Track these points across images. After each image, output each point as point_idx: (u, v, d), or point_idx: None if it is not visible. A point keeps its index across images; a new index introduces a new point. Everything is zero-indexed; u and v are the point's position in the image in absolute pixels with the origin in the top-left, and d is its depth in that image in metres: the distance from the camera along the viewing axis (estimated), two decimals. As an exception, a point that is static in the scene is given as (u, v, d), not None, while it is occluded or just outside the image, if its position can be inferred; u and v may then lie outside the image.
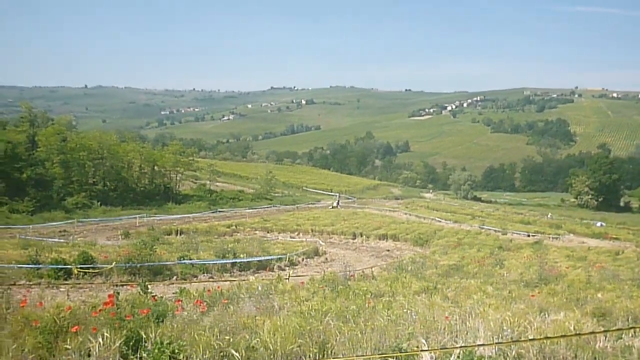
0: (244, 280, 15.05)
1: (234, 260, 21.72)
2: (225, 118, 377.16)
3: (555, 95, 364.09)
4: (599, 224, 61.48)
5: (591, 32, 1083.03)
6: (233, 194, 63.84)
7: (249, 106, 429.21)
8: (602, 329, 8.55)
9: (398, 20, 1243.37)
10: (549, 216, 62.11)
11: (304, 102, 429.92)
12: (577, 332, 7.93)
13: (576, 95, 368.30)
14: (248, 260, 22.30)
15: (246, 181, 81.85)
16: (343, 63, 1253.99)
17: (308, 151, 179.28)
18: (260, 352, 6.51)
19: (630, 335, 8.51)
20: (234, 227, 38.57)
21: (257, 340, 6.75)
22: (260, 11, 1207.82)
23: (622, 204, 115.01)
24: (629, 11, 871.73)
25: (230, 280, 16.38)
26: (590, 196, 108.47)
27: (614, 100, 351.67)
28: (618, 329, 8.72)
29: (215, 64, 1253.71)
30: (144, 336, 6.71)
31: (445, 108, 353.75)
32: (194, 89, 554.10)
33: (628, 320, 9.89)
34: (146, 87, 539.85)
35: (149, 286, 10.75)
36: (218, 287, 12.39)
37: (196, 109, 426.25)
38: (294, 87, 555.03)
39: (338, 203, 63.44)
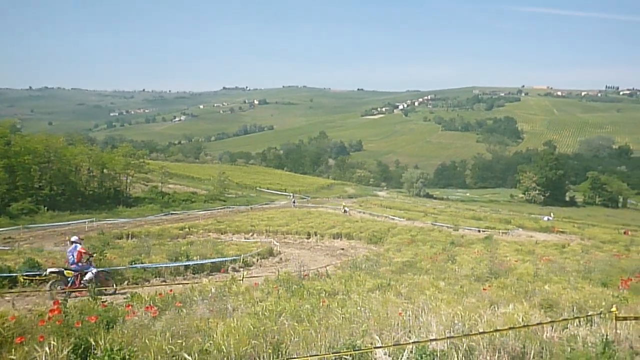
0: (197, 282, 14.83)
1: (187, 263, 21.40)
2: (177, 119, 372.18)
3: (503, 94, 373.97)
4: (546, 218, 63.37)
5: (537, 32, 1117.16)
6: (186, 195, 62.95)
7: (201, 107, 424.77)
8: (549, 320, 8.79)
9: (351, 21, 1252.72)
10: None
11: (256, 102, 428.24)
12: (526, 324, 8.14)
13: (523, 94, 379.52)
14: (201, 262, 21.99)
15: (199, 183, 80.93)
16: (296, 63, 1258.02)
17: (262, 151, 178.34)
18: (214, 355, 6.45)
19: (576, 324, 8.80)
20: (187, 229, 38.00)
21: (210, 343, 6.68)
22: (211, 11, 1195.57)
23: (567, 198, 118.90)
24: (572, 12, 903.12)
25: (183, 284, 16.11)
26: (537, 191, 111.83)
27: (558, 99, 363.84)
28: (564, 319, 8.99)
29: (166, 64, 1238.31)
30: (93, 343, 6.56)
31: (398, 107, 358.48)
32: (144, 89, 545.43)
33: (573, 310, 10.20)
34: (95, 88, 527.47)
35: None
36: (170, 290, 12.17)
37: (147, 110, 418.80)
38: (247, 87, 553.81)
39: (294, 203, 63.44)
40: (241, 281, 15.06)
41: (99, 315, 8.02)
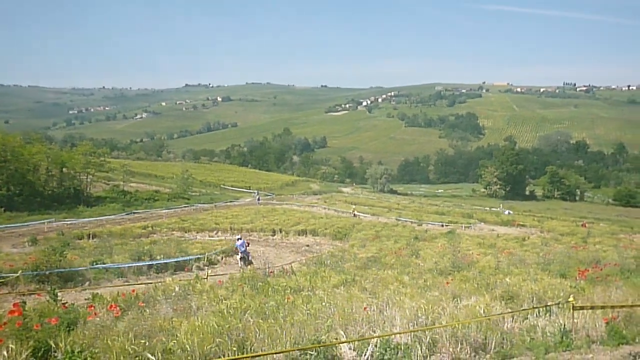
0: (160, 282, 14.65)
1: (150, 262, 21.14)
2: (139, 116, 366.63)
3: (464, 91, 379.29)
4: (506, 212, 64.60)
5: (497, 29, 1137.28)
6: (148, 194, 61.96)
7: (163, 104, 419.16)
8: (510, 311, 9.00)
9: (314, 17, 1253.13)
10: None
11: (220, 99, 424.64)
12: (487, 315, 8.31)
13: (484, 91, 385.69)
14: (165, 261, 21.75)
15: (162, 181, 79.84)
16: (259, 60, 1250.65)
17: (225, 149, 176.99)
18: (178, 354, 6.40)
19: (535, 315, 9.02)
20: (150, 228, 37.48)
21: (174, 343, 6.63)
22: (173, 6, 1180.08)
23: (527, 192, 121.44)
24: (531, 10, 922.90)
25: (146, 283, 15.91)
26: (498, 186, 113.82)
27: (518, 95, 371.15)
28: (524, 310, 9.21)
29: (127, 60, 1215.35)
30: (53, 346, 6.44)
31: (361, 103, 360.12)
32: (104, 87, 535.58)
33: (533, 301, 10.44)
34: (53, 85, 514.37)
35: (59, 294, 10.30)
36: (133, 290, 12.00)
37: (107, 108, 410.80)
38: (210, 84, 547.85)
39: (258, 200, 63.14)
40: (206, 279, 14.96)
41: (59, 317, 7.87)
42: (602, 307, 8.70)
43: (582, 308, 8.47)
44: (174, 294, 11.66)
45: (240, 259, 24.52)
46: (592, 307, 8.58)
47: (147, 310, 9.52)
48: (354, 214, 49.98)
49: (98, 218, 43.43)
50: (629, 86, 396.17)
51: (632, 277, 13.17)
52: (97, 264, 19.40)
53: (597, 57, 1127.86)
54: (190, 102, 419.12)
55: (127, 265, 20.17)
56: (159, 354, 6.22)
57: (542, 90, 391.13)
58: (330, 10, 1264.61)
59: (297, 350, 6.54)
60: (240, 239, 25.72)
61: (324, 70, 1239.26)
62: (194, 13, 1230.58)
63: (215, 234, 38.02)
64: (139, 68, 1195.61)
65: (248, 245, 25.59)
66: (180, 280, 14.76)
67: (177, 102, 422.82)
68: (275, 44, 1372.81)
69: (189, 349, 6.46)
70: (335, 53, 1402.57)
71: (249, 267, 22.27)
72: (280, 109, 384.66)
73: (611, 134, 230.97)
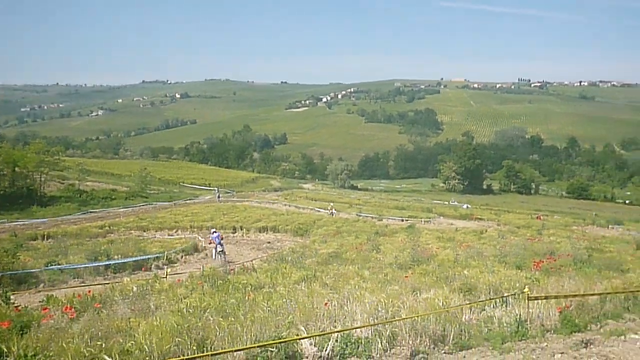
0: (118, 282, 14.39)
1: (107, 263, 20.73)
2: (94, 114, 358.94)
3: (423, 87, 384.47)
4: (465, 206, 65.74)
5: (454, 26, 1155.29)
6: (105, 193, 60.74)
7: (120, 101, 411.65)
8: (468, 303, 9.15)
9: (274, 13, 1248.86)
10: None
11: (178, 95, 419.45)
12: (446, 308, 8.43)
13: (442, 86, 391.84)
14: (123, 261, 21.37)
15: (119, 179, 78.35)
16: (218, 56, 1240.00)
17: (184, 146, 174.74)
18: (135, 355, 6.30)
19: (492, 306, 9.21)
20: (107, 227, 36.76)
21: (132, 343, 6.52)
22: (129, 0, 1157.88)
23: (485, 186, 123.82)
24: (487, 7, 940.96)
25: (103, 284, 15.60)
26: (457, 180, 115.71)
27: (475, 91, 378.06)
28: (481, 301, 9.38)
29: (81, 56, 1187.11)
30: (5, 350, 6.26)
31: (321, 100, 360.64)
32: (57, 83, 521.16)
33: (490, 293, 10.66)
34: (3, 82, 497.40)
35: (11, 296, 10.04)
36: (89, 291, 11.76)
37: (61, 105, 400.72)
38: (168, 80, 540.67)
39: (218, 197, 62.63)
40: (164, 279, 14.76)
41: (11, 320, 7.65)
42: (556, 297, 8.94)
43: (536, 298, 8.68)
44: (131, 294, 11.47)
45: (217, 251, 25.81)
46: (546, 297, 8.81)
47: (104, 311, 9.36)
48: (332, 212, 48.72)
49: (52, 218, 42.43)
50: (580, 82, 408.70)
51: (584, 267, 13.58)
52: (51, 265, 18.95)
53: (550, 53, 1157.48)
54: (148, 98, 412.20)
55: (83, 265, 19.75)
56: (116, 355, 6.10)
57: (498, 86, 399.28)
58: (290, 5, 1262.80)
59: (258, 347, 6.52)
60: (216, 232, 27.59)
61: (283, 67, 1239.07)
62: (150, 8, 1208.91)
63: (175, 232, 37.54)
64: (94, 64, 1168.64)
65: (222, 239, 26.86)
66: (138, 280, 14.55)
67: (134, 99, 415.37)
68: (234, 40, 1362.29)
69: (147, 349, 6.36)
70: (295, 49, 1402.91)
71: (224, 258, 24.95)
72: (240, 106, 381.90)
73: (564, 129, 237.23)
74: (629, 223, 46.35)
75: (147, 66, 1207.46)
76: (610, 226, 43.87)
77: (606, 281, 11.12)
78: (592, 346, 7.45)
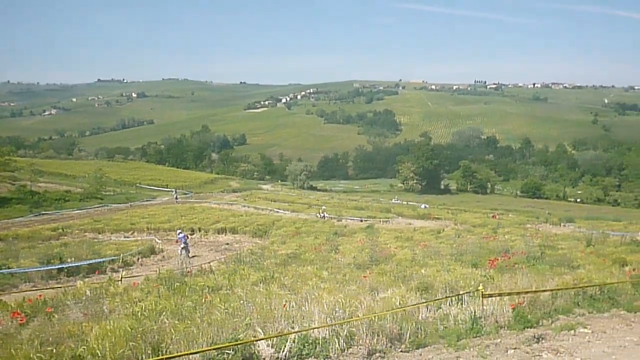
0: (71, 286, 14.04)
1: (60, 266, 20.20)
2: (47, 113, 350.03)
3: (382, 88, 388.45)
4: (423, 205, 66.48)
5: (413, 28, 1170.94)
6: (59, 194, 59.20)
7: (74, 100, 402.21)
8: (424, 301, 9.26)
9: (233, 13, 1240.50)
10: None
11: (135, 95, 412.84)
12: (403, 306, 8.51)
13: (400, 88, 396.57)
14: (76, 264, 20.85)
15: (73, 180, 76.47)
16: (176, 55, 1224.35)
17: (141, 146, 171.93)
18: (87, 360, 6.14)
19: (448, 304, 9.34)
20: (60, 230, 35.86)
21: (84, 348, 6.37)
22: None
23: (442, 186, 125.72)
24: (444, 9, 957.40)
25: (55, 288, 15.19)
26: (415, 181, 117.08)
27: (433, 92, 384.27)
28: (437, 300, 9.51)
29: (34, 54, 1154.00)
30: (-52, 358, 6.03)
31: (281, 100, 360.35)
32: (8, 81, 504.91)
33: (446, 291, 10.80)
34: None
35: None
36: (40, 296, 11.42)
37: (12, 104, 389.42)
38: (124, 79, 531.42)
39: (176, 198, 61.79)
40: (119, 282, 14.47)
41: (-45, 327, 7.36)
42: (509, 294, 9.13)
43: (490, 295, 8.85)
44: (84, 297, 11.20)
45: (182, 249, 26.89)
46: (500, 294, 8.98)
47: (56, 316, 9.12)
48: (323, 216, 46.58)
49: (3, 220, 41.17)
50: (534, 84, 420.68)
51: (537, 265, 13.92)
52: (1, 269, 18.35)
53: (506, 56, 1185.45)
54: (104, 98, 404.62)
55: (34, 269, 19.21)
56: (68, 361, 5.95)
57: (455, 87, 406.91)
58: (248, 5, 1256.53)
59: (214, 349, 6.45)
60: (181, 232, 29.73)
61: (242, 67, 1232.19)
62: (108, 5, 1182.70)
63: (131, 234, 36.87)
64: (47, 62, 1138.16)
65: (187, 238, 28.80)
66: (92, 283, 14.22)
67: (90, 98, 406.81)
68: (192, 39, 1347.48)
69: (99, 354, 6.23)
70: (254, 50, 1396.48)
71: (186, 255, 26.24)
72: (198, 106, 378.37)
73: (518, 129, 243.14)
74: (580, 221, 47.54)
75: (103, 64, 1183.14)
76: (562, 224, 44.91)
77: (557, 277, 11.41)
78: (543, 341, 7.65)
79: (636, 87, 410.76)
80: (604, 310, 9.50)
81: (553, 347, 7.34)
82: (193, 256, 26.89)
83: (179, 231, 30.80)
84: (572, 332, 8.09)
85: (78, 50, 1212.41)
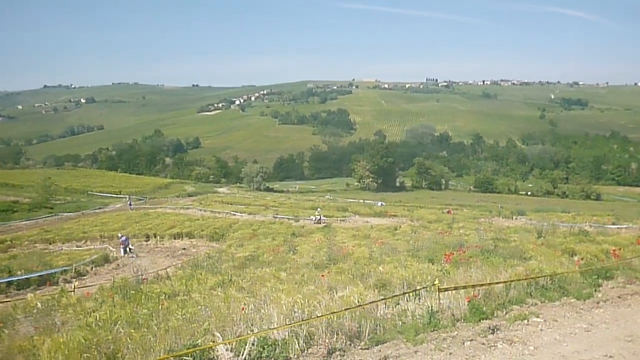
0: (21, 299, 13.58)
1: (9, 279, 19.56)
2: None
3: (335, 87, 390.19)
4: (379, 203, 67.09)
5: (365, 28, 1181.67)
6: (5, 205, 57.34)
7: (20, 107, 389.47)
8: (382, 298, 9.33)
9: (183, 15, 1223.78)
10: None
11: (83, 101, 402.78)
12: (361, 304, 8.55)
13: (354, 87, 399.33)
14: (26, 277, 20.22)
15: (20, 190, 74.30)
16: (125, 59, 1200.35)
17: (92, 153, 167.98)
18: (39, 375, 5.95)
19: (405, 300, 9.44)
20: (8, 242, 34.81)
21: (35, 363, 6.17)
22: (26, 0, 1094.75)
23: (397, 184, 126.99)
24: (396, 9, 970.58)
25: (4, 302, 14.68)
26: (370, 179, 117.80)
27: (385, 91, 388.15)
28: (395, 296, 9.59)
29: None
30: None
31: (234, 102, 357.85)
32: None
33: (404, 287, 10.92)
34: None
35: None
36: (-12, 310, 11.02)
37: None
38: (71, 85, 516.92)
39: (130, 205, 60.54)
40: (72, 292, 14.10)
41: None
42: (464, 287, 9.30)
43: (446, 289, 9.00)
44: (35, 311, 10.86)
45: (126, 250, 29.75)
46: (455, 288, 9.14)
47: (5, 331, 8.82)
48: (319, 219, 44.53)
49: (-54, 234, 39.54)
50: (483, 81, 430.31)
51: (490, 257, 14.20)
52: (-55, 285, 17.62)
53: (456, 54, 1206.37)
54: (50, 104, 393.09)
55: (-19, 283, 18.51)
56: (18, 377, 5.75)
57: (407, 86, 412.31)
58: (199, 6, 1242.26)
59: (172, 357, 6.34)
60: (123, 235, 32.36)
61: (194, 70, 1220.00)
62: (50, 8, 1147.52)
63: (84, 243, 36.02)
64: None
65: (129, 240, 32.00)
66: (43, 295, 13.82)
67: (36, 105, 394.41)
68: (142, 42, 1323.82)
69: (52, 367, 6.04)
70: (205, 52, 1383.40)
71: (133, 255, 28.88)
72: (150, 110, 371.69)
73: (469, 126, 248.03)
74: (531, 213, 48.83)
75: (49, 70, 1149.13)
76: (514, 217, 46.05)
77: (510, 269, 11.67)
78: (498, 331, 7.82)
79: (580, 83, 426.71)
80: (555, 299, 9.78)
81: (507, 337, 7.51)
82: (133, 257, 28.53)
83: (120, 235, 33.11)
84: (526, 321, 8.30)
85: (22, 56, 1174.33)
